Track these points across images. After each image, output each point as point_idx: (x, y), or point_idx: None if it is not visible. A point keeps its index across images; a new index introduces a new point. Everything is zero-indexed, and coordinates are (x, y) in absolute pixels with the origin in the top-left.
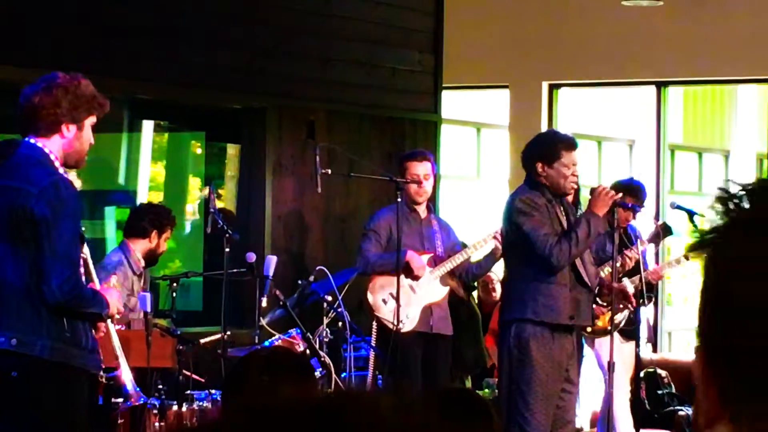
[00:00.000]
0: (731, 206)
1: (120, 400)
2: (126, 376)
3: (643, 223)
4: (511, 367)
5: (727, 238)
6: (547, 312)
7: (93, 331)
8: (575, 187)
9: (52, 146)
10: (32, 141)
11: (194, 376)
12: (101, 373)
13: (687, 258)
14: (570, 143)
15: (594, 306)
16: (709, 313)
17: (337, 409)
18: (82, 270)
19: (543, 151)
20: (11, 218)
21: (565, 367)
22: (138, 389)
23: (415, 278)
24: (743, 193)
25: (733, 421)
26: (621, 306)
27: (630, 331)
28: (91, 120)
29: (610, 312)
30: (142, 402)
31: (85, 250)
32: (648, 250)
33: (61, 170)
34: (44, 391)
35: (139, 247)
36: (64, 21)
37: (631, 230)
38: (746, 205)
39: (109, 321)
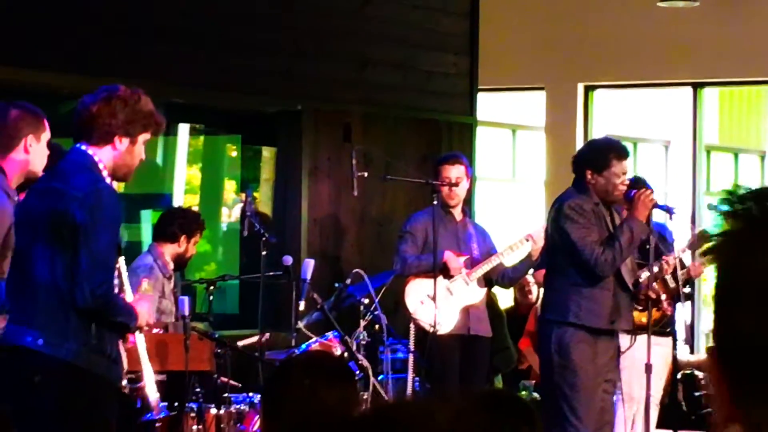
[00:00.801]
0: (739, 209)
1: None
2: (150, 387)
3: (679, 225)
4: (553, 371)
5: (735, 240)
6: (589, 316)
7: (120, 341)
8: (622, 195)
9: (102, 156)
10: (83, 148)
11: (231, 381)
12: (124, 383)
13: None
14: (621, 152)
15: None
16: (719, 315)
17: (392, 421)
18: (116, 281)
19: (593, 158)
20: (52, 220)
21: (607, 369)
22: (160, 401)
23: (453, 276)
24: (751, 196)
25: (744, 422)
26: (655, 310)
27: (663, 331)
28: (145, 137)
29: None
30: (162, 416)
31: (121, 261)
32: (685, 256)
33: (107, 179)
34: (68, 395)
35: (168, 251)
36: (99, 25)
37: (666, 234)
38: (755, 208)
39: (137, 332)
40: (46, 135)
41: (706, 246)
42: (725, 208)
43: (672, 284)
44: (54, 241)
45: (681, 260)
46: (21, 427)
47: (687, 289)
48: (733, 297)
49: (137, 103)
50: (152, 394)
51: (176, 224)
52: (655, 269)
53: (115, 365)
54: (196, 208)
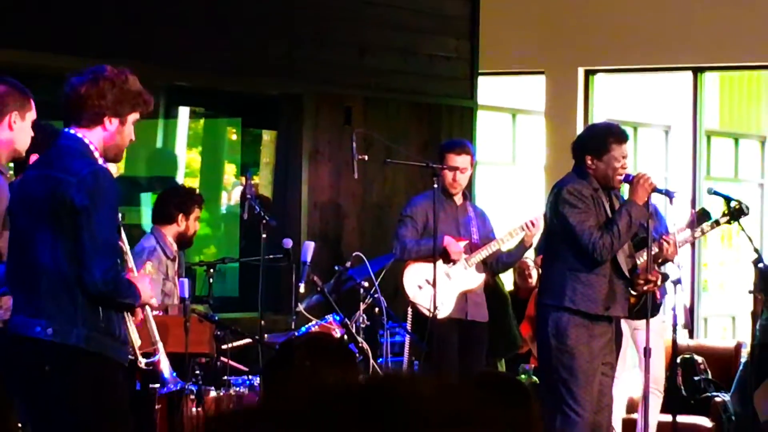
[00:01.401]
0: None
1: (157, 385)
2: (164, 362)
3: (679, 209)
4: (551, 355)
5: None
6: (584, 301)
7: (127, 318)
8: (622, 179)
9: (93, 137)
10: (72, 131)
11: (233, 363)
12: (141, 359)
13: (703, 232)
14: (620, 136)
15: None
16: None
17: (380, 393)
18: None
19: (593, 143)
20: (51, 206)
21: (605, 353)
22: (175, 375)
23: (454, 262)
24: None
25: None
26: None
27: (640, 312)
28: (134, 116)
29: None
30: (179, 387)
31: (123, 239)
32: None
33: (100, 161)
34: (80, 381)
35: (169, 232)
36: (100, 8)
37: (658, 217)
38: None
39: (147, 307)
40: (32, 115)
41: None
42: None
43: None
44: (55, 228)
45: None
46: (36, 417)
47: (663, 269)
48: None
49: (125, 83)
50: (166, 368)
51: (171, 204)
52: (655, 250)
53: (124, 345)
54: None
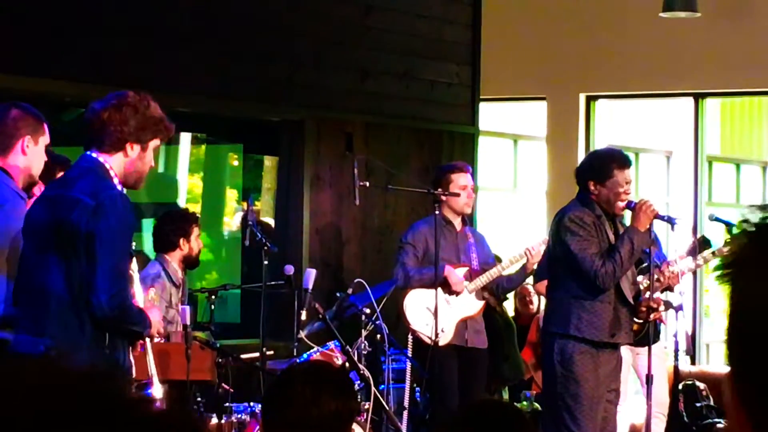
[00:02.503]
0: (751, 230)
1: None
2: (157, 393)
3: (681, 236)
4: (556, 382)
5: (748, 262)
6: (590, 329)
7: (130, 348)
8: (624, 206)
9: (114, 163)
10: (93, 155)
11: (224, 386)
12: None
13: (705, 260)
14: (623, 162)
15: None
16: (734, 339)
17: None
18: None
19: (596, 168)
20: (63, 228)
21: (610, 380)
22: None
23: (455, 294)
24: (763, 216)
25: None
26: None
27: (642, 338)
28: (155, 143)
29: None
30: None
31: (134, 266)
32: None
33: (119, 187)
34: None
35: (174, 258)
36: (100, 33)
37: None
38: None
39: (147, 339)
40: (45, 139)
41: (717, 269)
42: (736, 228)
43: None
44: (65, 250)
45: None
46: None
47: (665, 296)
48: (746, 321)
49: (147, 109)
50: (160, 401)
51: (170, 231)
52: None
53: (127, 374)
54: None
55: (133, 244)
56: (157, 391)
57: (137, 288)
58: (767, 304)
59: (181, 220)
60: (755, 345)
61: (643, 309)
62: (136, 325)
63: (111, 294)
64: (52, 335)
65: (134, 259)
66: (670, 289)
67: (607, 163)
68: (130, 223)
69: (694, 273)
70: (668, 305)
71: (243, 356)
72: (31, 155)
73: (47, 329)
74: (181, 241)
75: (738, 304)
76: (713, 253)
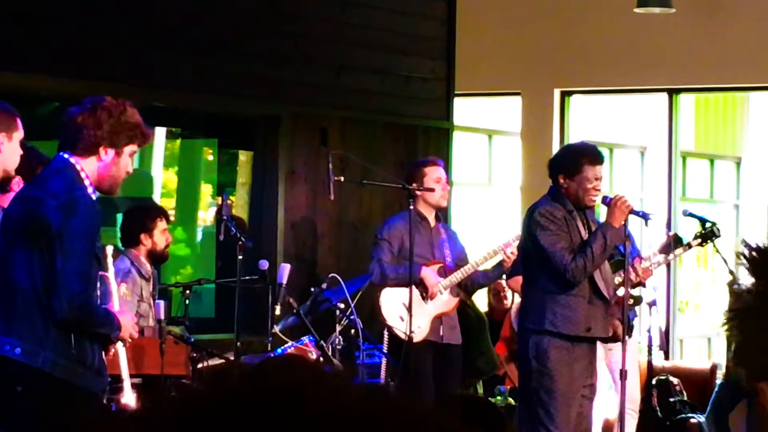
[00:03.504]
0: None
1: None
2: (128, 396)
3: (654, 231)
4: (531, 377)
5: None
6: (565, 323)
7: (102, 351)
8: (594, 201)
9: (87, 166)
10: (65, 156)
11: None
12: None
13: (675, 255)
14: (594, 157)
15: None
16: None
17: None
18: (99, 292)
19: (566, 163)
20: (30, 226)
21: (585, 375)
22: None
23: (431, 297)
24: None
25: None
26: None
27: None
28: (131, 148)
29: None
30: None
31: (111, 271)
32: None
33: (89, 189)
34: (46, 406)
35: (140, 252)
36: (77, 27)
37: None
38: None
39: (119, 344)
40: (19, 134)
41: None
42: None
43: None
44: (32, 248)
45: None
46: None
47: (636, 292)
48: None
49: (122, 114)
50: (131, 403)
51: (131, 226)
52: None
53: (99, 376)
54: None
55: (108, 248)
56: (128, 395)
57: (114, 292)
58: None
59: (142, 216)
60: None
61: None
62: (101, 327)
63: (72, 295)
64: (18, 334)
65: (110, 258)
66: (641, 284)
67: (578, 158)
68: (94, 225)
69: (668, 268)
70: (638, 300)
71: (214, 361)
72: (5, 152)
73: (13, 327)
74: (143, 236)
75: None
76: (684, 248)
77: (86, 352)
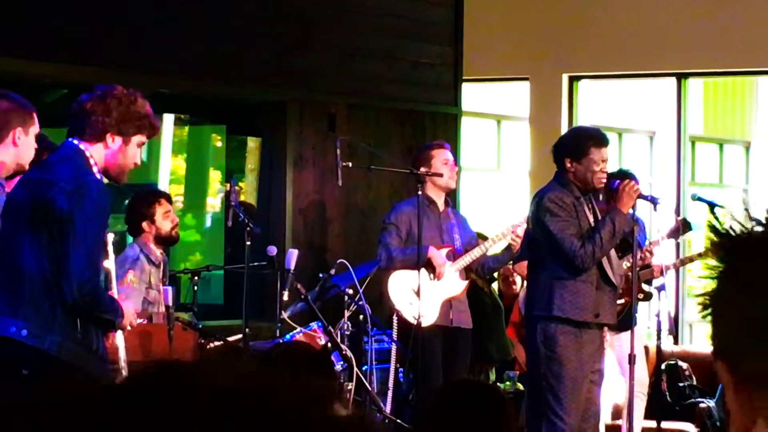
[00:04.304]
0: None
1: None
2: None
3: (663, 216)
4: (539, 363)
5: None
6: (573, 309)
7: (119, 336)
8: (603, 182)
9: (94, 152)
10: (75, 142)
11: None
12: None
13: (692, 260)
14: (599, 140)
15: None
16: (722, 319)
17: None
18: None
19: (572, 146)
20: (38, 210)
21: (593, 360)
22: None
23: (438, 276)
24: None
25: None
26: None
27: (625, 323)
28: (140, 139)
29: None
30: None
31: (111, 258)
32: (668, 245)
33: (97, 175)
34: None
35: (147, 239)
36: (84, 14)
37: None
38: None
39: (119, 332)
40: (35, 128)
41: (706, 248)
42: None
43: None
44: (40, 232)
45: (647, 257)
46: None
47: (648, 288)
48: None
49: (132, 104)
50: None
51: (132, 216)
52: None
53: (102, 361)
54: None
55: (112, 235)
56: None
57: (113, 279)
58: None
59: (139, 204)
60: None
61: (622, 289)
62: (107, 313)
63: (83, 280)
64: (24, 316)
65: (111, 252)
66: (648, 282)
67: (584, 141)
68: (105, 210)
69: (677, 251)
70: (648, 296)
71: (228, 339)
72: (21, 146)
73: (19, 310)
74: (144, 224)
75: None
76: (692, 258)
77: (91, 336)
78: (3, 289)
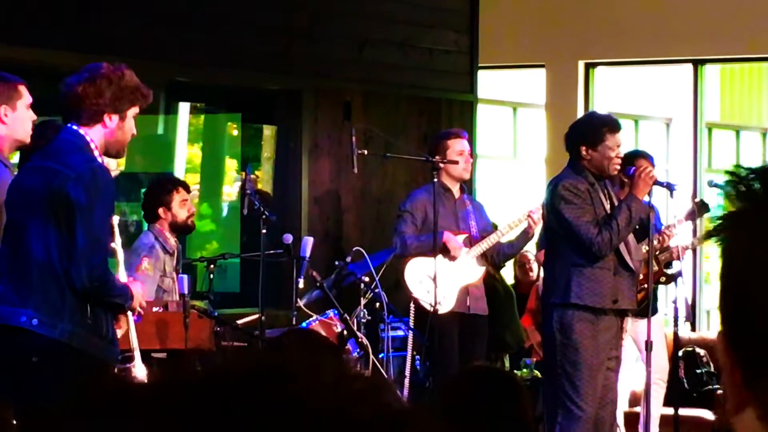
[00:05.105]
0: (742, 189)
1: None
2: (139, 370)
3: (680, 202)
4: (555, 350)
5: (739, 221)
6: (591, 296)
7: (114, 322)
8: (618, 168)
9: (94, 135)
10: (74, 128)
11: None
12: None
13: (701, 242)
14: (613, 125)
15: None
16: (727, 298)
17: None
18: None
19: (586, 134)
20: (47, 198)
21: (611, 347)
22: None
23: (452, 259)
24: (753, 175)
25: (758, 406)
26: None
27: (647, 309)
28: (134, 111)
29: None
30: None
31: (117, 241)
32: (685, 228)
33: (99, 159)
34: (63, 376)
35: (163, 226)
36: (100, 5)
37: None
38: (757, 187)
39: (129, 313)
40: (24, 101)
41: (710, 228)
42: (728, 189)
43: (654, 267)
44: (49, 220)
45: (665, 240)
46: (19, 407)
47: (670, 270)
48: (740, 279)
49: (122, 79)
50: (141, 373)
51: (150, 202)
52: (656, 244)
53: (112, 346)
54: (191, 179)
55: (116, 218)
56: (139, 366)
57: (121, 262)
58: (759, 260)
59: (156, 190)
60: (747, 303)
61: (642, 274)
62: (117, 297)
63: (91, 265)
64: (34, 305)
65: (117, 234)
66: (668, 265)
67: (599, 128)
68: (110, 195)
69: (694, 233)
70: (670, 278)
71: (240, 321)
72: (11, 122)
73: (29, 299)
74: (161, 210)
75: (731, 261)
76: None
77: (101, 322)
78: (12, 279)
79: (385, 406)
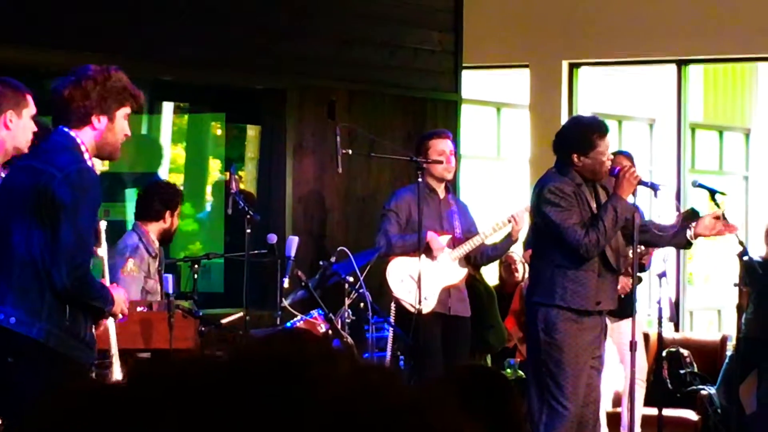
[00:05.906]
0: None
1: None
2: (116, 372)
3: (664, 202)
4: (540, 350)
5: None
6: (575, 298)
7: (93, 326)
8: (608, 171)
9: (84, 137)
10: (65, 130)
11: None
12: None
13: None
14: (602, 129)
15: None
16: None
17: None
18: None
19: (577, 142)
20: (33, 197)
21: (594, 346)
22: None
23: (434, 258)
24: None
25: None
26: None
27: (624, 310)
28: (124, 111)
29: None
30: None
31: (104, 246)
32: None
33: (89, 162)
34: (38, 377)
35: (153, 229)
36: (86, 3)
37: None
38: None
39: (110, 319)
40: (29, 110)
41: None
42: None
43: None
44: (33, 219)
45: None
46: None
47: (640, 273)
48: None
49: (108, 80)
50: (118, 377)
51: (158, 201)
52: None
53: (89, 349)
54: (173, 181)
55: (104, 223)
56: (117, 369)
57: (105, 266)
58: None
59: (170, 193)
60: None
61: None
62: (97, 300)
63: (73, 265)
64: (13, 303)
65: (104, 240)
66: (641, 268)
67: (589, 134)
68: (96, 197)
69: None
70: (638, 280)
71: (223, 320)
72: (14, 129)
73: (8, 297)
74: (166, 213)
75: None
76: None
77: (79, 324)
78: None
79: (402, 391)
